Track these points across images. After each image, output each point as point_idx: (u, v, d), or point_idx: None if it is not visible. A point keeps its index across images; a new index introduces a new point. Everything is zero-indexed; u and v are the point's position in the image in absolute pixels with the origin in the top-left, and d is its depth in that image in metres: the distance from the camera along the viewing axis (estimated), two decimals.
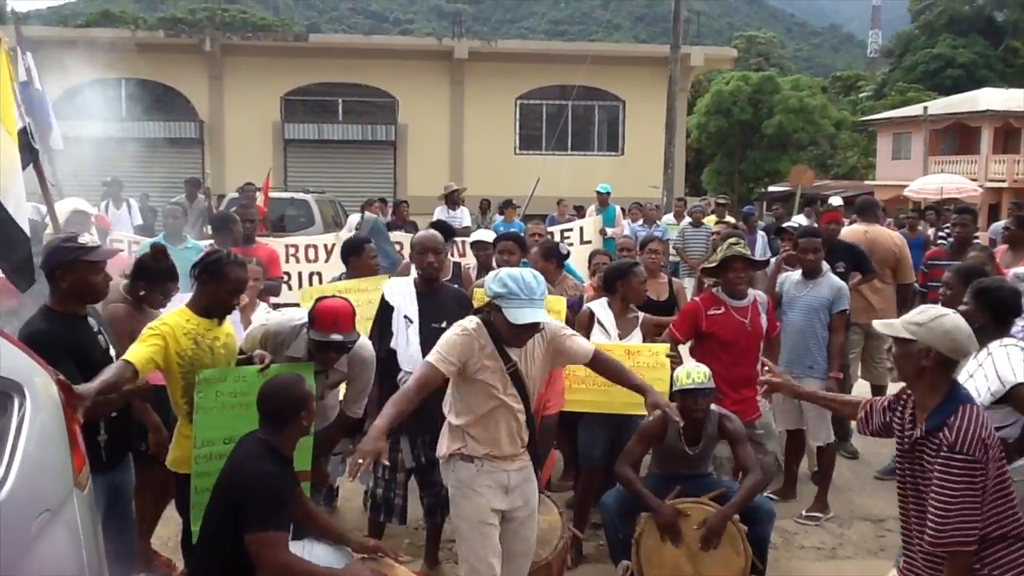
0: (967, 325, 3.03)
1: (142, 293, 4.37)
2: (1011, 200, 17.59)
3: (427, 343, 4.36)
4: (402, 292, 4.60)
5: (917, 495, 3.04)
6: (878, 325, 3.18)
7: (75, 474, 2.84)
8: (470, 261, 8.39)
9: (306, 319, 4.07)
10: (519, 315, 3.46)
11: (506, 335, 3.58)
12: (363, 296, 5.29)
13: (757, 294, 5.29)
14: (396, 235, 8.85)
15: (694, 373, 4.53)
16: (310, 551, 3.53)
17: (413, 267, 4.84)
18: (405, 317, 4.51)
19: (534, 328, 3.56)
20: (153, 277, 4.40)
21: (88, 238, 3.74)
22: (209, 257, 3.88)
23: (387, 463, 4.24)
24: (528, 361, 3.70)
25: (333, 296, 4.08)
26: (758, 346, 5.16)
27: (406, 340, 4.49)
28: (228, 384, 3.75)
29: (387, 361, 4.46)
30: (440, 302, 4.57)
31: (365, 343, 4.21)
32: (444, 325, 4.43)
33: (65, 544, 2.63)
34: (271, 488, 3.21)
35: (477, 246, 6.73)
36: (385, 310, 4.68)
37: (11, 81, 5.45)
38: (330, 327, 3.87)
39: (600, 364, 3.87)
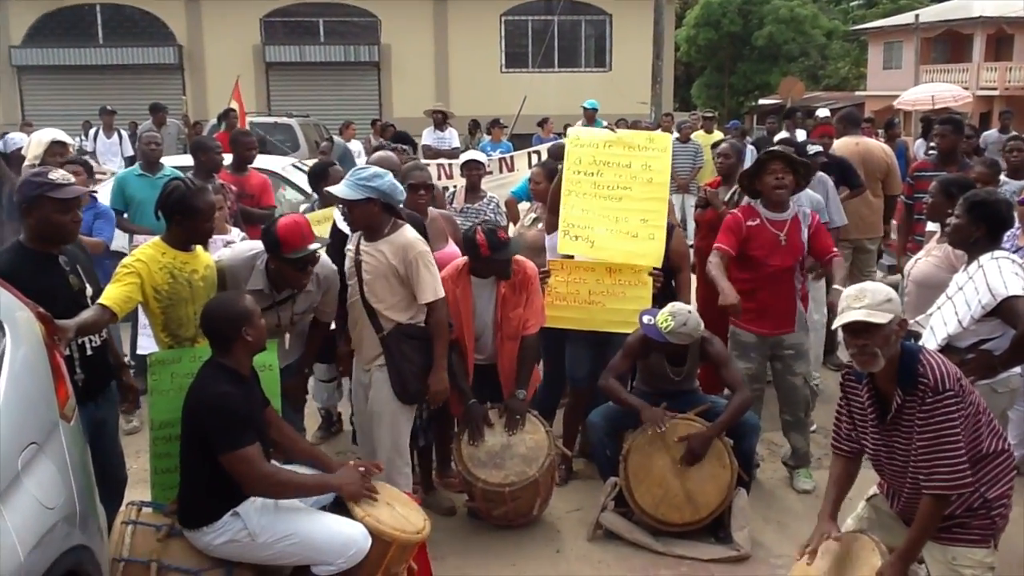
0: None
1: None
2: (1001, 108, 17.44)
3: None
4: None
5: (903, 463, 3.08)
6: (861, 316, 2.99)
7: (60, 406, 2.85)
8: (458, 182, 8.35)
9: (256, 250, 4.06)
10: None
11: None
12: (317, 230, 5.21)
13: (803, 210, 4.93)
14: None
15: (670, 320, 4.38)
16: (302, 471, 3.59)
17: None
18: None
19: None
20: None
21: (60, 173, 3.55)
22: (171, 195, 3.79)
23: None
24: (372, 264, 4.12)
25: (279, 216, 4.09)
26: (794, 268, 4.86)
27: None
28: (184, 364, 3.64)
29: (342, 290, 4.40)
30: None
31: (324, 259, 4.21)
32: None
33: (53, 475, 2.65)
34: (229, 407, 3.23)
35: (469, 166, 6.67)
36: (337, 238, 4.66)
37: None
38: (301, 240, 3.86)
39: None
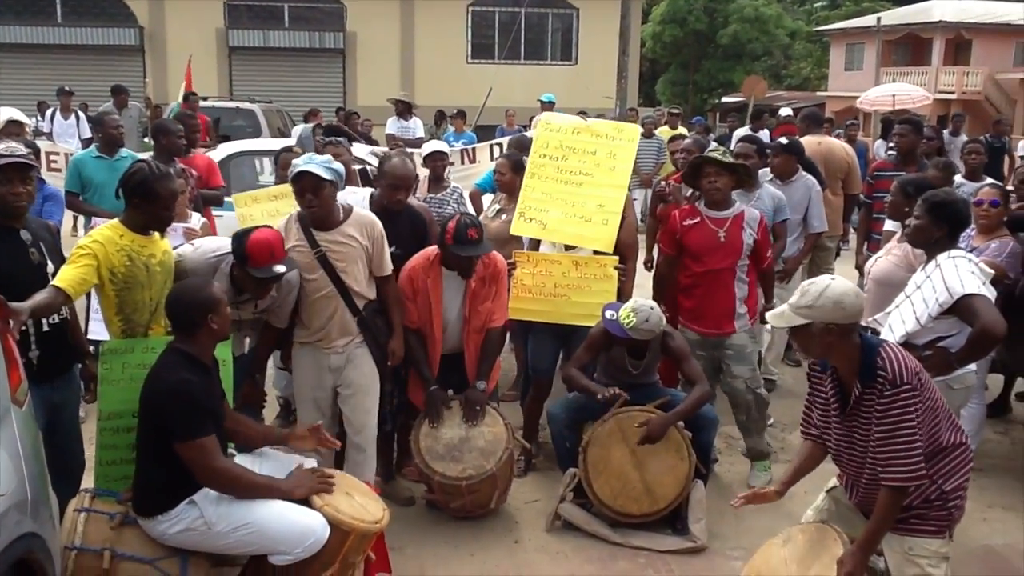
0: (848, 284, 3.06)
1: None
2: (954, 112, 17.75)
3: None
4: None
5: (862, 455, 3.12)
6: (770, 318, 3.21)
7: (12, 391, 2.79)
8: (420, 172, 8.27)
9: (221, 251, 4.00)
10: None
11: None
12: (277, 205, 5.27)
13: (749, 211, 4.97)
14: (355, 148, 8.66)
15: (633, 317, 4.42)
16: (260, 463, 3.55)
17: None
18: None
19: (304, 177, 3.99)
20: None
21: (2, 146, 3.48)
22: (134, 177, 3.69)
23: None
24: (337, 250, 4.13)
25: (257, 227, 3.95)
26: (733, 265, 4.86)
27: None
28: (136, 355, 3.55)
29: None
30: (394, 227, 4.45)
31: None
32: (393, 249, 4.40)
33: (4, 462, 2.58)
34: (189, 396, 3.18)
35: (433, 156, 6.63)
36: None
37: None
38: (269, 260, 3.80)
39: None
